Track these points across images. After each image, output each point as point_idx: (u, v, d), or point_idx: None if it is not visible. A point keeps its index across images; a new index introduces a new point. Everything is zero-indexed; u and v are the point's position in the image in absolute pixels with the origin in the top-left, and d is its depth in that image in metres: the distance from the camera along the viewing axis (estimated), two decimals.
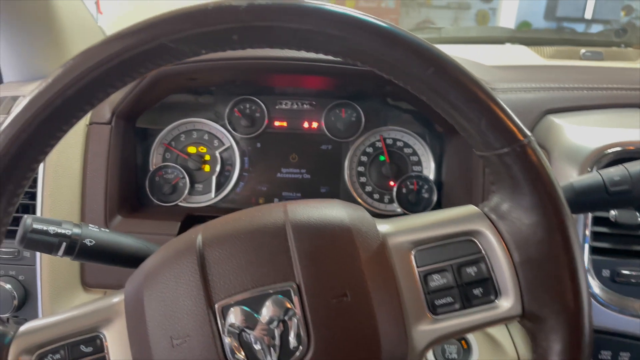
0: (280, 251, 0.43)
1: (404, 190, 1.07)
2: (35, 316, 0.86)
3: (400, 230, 0.47)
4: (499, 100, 0.42)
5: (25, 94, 0.92)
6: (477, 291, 0.44)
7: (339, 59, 0.44)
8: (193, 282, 0.42)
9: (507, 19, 4.64)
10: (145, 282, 0.44)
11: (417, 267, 0.45)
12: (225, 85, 1.04)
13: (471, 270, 0.44)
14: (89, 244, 0.60)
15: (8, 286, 0.84)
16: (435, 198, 1.05)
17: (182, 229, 0.92)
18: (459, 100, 0.42)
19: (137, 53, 0.41)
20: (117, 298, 0.47)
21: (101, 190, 0.89)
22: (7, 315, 0.85)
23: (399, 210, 1.07)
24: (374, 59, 0.42)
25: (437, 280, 0.45)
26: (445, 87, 0.42)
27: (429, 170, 1.07)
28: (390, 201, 1.08)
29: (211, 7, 0.41)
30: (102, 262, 0.63)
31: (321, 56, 0.44)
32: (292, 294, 0.41)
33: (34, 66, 1.01)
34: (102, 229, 0.63)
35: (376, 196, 1.09)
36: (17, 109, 0.40)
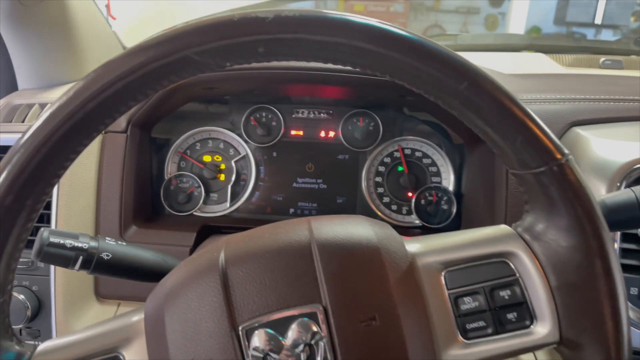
0: (306, 272, 0.41)
1: (422, 202, 1.05)
2: (48, 327, 0.85)
3: (429, 250, 0.45)
4: (536, 117, 0.41)
5: (41, 101, 0.92)
6: (511, 315, 0.42)
7: (366, 72, 0.43)
8: (216, 302, 0.40)
9: (517, 24, 4.60)
10: (166, 301, 0.43)
11: (448, 289, 0.43)
12: (242, 94, 1.03)
13: (504, 294, 0.43)
14: (105, 257, 0.59)
15: (21, 297, 0.83)
16: (454, 210, 1.04)
17: (198, 240, 0.91)
18: (494, 117, 0.41)
19: (160, 65, 0.40)
20: (137, 317, 0.46)
21: (116, 199, 0.88)
22: (20, 326, 0.85)
23: (417, 222, 1.06)
24: (405, 73, 0.41)
25: (468, 303, 0.43)
26: (479, 103, 0.40)
27: (449, 181, 1.06)
28: (409, 212, 1.07)
29: (237, 18, 0.40)
30: (119, 276, 0.61)
31: (342, 66, 0.43)
32: (319, 317, 0.39)
33: (49, 73, 1.01)
34: (119, 242, 0.62)
35: (394, 207, 1.08)
36: (37, 123, 0.39)
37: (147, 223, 0.96)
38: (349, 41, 0.39)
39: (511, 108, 0.40)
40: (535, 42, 1.49)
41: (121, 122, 0.90)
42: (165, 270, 0.64)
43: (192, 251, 0.87)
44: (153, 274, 0.63)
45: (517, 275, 0.43)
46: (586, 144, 0.80)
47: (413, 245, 0.46)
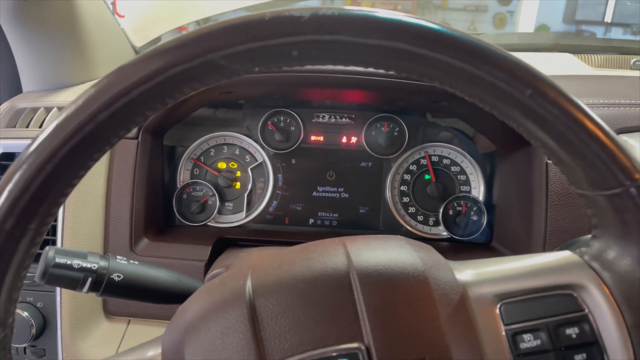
0: (345, 305, 0.37)
1: (450, 212, 1.02)
2: (54, 346, 0.82)
3: (483, 279, 0.41)
4: (611, 131, 0.36)
5: (47, 104, 0.89)
6: (579, 357, 0.38)
7: (410, 77, 0.39)
8: (244, 340, 0.36)
9: (526, 22, 4.57)
10: (186, 337, 0.39)
11: (504, 324, 0.39)
12: (259, 98, 1.00)
13: (572, 332, 0.38)
14: (116, 279, 0.55)
15: (25, 314, 0.80)
16: (484, 221, 1.01)
17: (213, 254, 0.87)
18: (560, 130, 0.36)
19: (181, 71, 0.36)
20: (153, 351, 0.42)
21: (127, 210, 0.85)
22: (24, 345, 0.82)
23: (445, 233, 1.02)
24: (459, 80, 0.37)
25: (528, 342, 0.38)
26: (543, 114, 0.36)
27: (478, 191, 1.03)
28: (436, 224, 1.04)
29: (269, 17, 0.36)
30: (131, 298, 0.58)
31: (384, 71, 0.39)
32: (361, 358, 0.35)
33: (55, 74, 0.98)
34: (131, 262, 0.58)
35: (420, 218, 1.04)
36: (41, 136, 0.35)
37: (159, 235, 0.93)
38: (397, 44, 0.35)
39: (582, 120, 0.36)
40: (562, 42, 1.45)
41: None
42: (181, 291, 0.60)
43: (207, 266, 0.84)
44: (167, 296, 0.60)
45: (586, 310, 0.39)
46: (636, 153, 0.75)
47: (464, 273, 0.41)
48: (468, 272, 0.42)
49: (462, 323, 0.38)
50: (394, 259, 0.40)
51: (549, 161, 0.79)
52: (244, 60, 0.36)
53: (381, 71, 0.40)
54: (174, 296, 0.60)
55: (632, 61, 1.26)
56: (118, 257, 0.57)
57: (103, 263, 0.55)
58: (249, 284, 0.40)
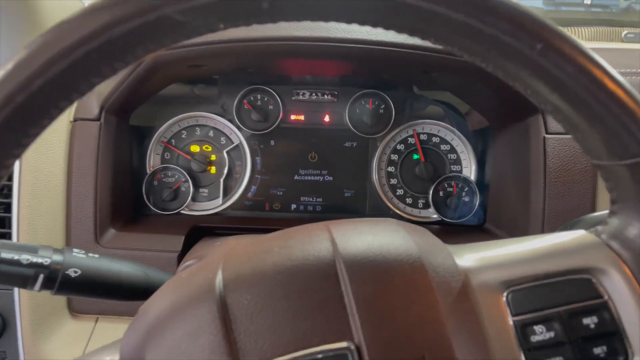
0: (331, 298, 0.33)
1: (441, 194, 1.00)
2: (15, 349, 0.77)
3: (487, 264, 0.37)
4: (635, 92, 0.32)
5: None
6: (599, 350, 0.34)
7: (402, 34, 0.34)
8: (214, 342, 0.32)
9: None
10: (147, 341, 0.34)
11: (512, 314, 0.35)
12: (233, 72, 0.95)
13: (589, 321, 0.35)
14: (73, 274, 0.50)
15: None
16: (477, 202, 0.98)
17: (187, 244, 0.83)
18: (576, 91, 0.32)
19: (131, 28, 0.31)
20: (110, 357, 0.37)
21: (90, 198, 0.80)
22: None
23: (435, 216, 1.00)
24: (457, 34, 0.33)
25: (540, 334, 0.35)
26: (556, 72, 0.32)
27: (470, 170, 1.00)
28: (425, 206, 1.01)
29: None
30: (92, 295, 0.54)
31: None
32: (350, 359, 0.31)
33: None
34: (90, 255, 0.53)
35: (409, 200, 1.02)
36: None
37: (128, 225, 0.89)
38: None
39: (602, 79, 0.32)
40: (550, 15, 1.44)
41: (93, 107, 0.81)
42: (149, 286, 0.56)
43: (180, 257, 0.80)
44: (133, 292, 0.55)
45: (606, 296, 0.35)
46: None
47: (465, 258, 0.38)
48: (470, 257, 0.38)
49: (465, 315, 0.34)
50: (385, 243, 0.36)
51: (547, 135, 0.76)
52: (206, 14, 0.31)
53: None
54: (140, 292, 0.56)
55: (624, 34, 1.25)
56: (74, 250, 0.52)
57: (57, 257, 0.50)
58: (219, 276, 0.35)
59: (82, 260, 0.52)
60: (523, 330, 0.35)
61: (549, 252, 0.37)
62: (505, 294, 0.36)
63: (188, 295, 0.36)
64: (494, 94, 0.80)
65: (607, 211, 0.41)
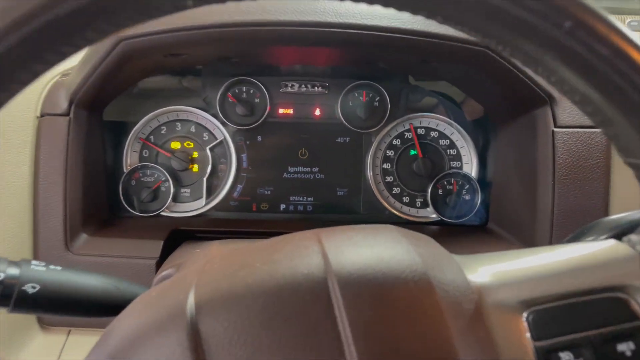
0: (323, 325, 0.29)
1: (440, 192, 0.97)
2: None
3: (503, 280, 0.33)
4: None
5: None
6: None
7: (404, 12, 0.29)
8: None
9: None
10: None
11: (534, 339, 0.31)
12: (216, 63, 0.90)
13: (625, 348, 0.30)
14: (31, 290, 0.46)
15: None
16: (478, 200, 0.95)
17: (166, 249, 0.78)
18: (610, 77, 0.28)
19: (80, 6, 0.26)
20: None
21: (59, 201, 0.75)
22: None
23: (434, 216, 0.96)
24: (469, 12, 0.28)
25: None
26: (587, 55, 0.28)
27: (471, 166, 0.97)
28: (424, 205, 0.98)
29: None
30: (54, 312, 0.49)
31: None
32: None
33: None
34: (52, 267, 0.48)
35: (406, 199, 0.98)
36: None
37: (102, 230, 0.84)
38: None
39: None
40: None
41: (61, 101, 0.76)
42: (120, 301, 0.51)
43: (159, 264, 0.75)
44: (103, 308, 0.51)
45: None
46: None
47: (478, 273, 0.33)
48: (483, 271, 0.33)
49: (479, 340, 0.30)
50: (385, 257, 0.32)
51: (556, 128, 0.72)
52: None
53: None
54: (111, 307, 0.51)
55: (627, 21, 1.23)
56: (33, 262, 0.48)
57: (12, 271, 0.45)
58: (190, 299, 0.31)
59: (41, 273, 0.47)
60: (547, 358, 0.30)
61: (575, 266, 0.33)
62: (525, 314, 0.32)
63: (155, 320, 0.31)
64: (497, 84, 0.76)
65: (628, 213, 0.36)
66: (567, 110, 0.72)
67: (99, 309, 0.50)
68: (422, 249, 0.34)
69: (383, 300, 0.30)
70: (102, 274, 0.52)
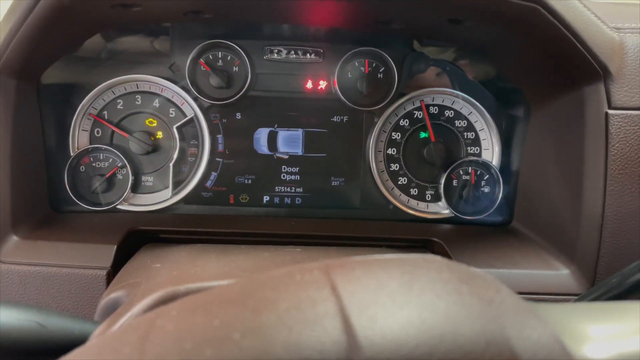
0: None
1: (455, 183, 0.91)
2: None
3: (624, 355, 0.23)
4: None
5: None
6: None
7: None
8: None
9: None
10: None
11: None
12: (184, 21, 0.80)
13: None
14: None
15: None
16: (500, 194, 0.88)
17: (121, 256, 0.69)
18: None
19: None
20: None
21: None
22: None
23: (447, 211, 0.90)
24: None
25: None
26: None
27: (491, 152, 0.90)
28: (435, 199, 0.92)
29: None
30: None
31: None
32: None
33: None
34: None
35: (414, 191, 0.91)
36: None
37: (39, 230, 0.75)
38: None
39: None
40: None
41: None
42: (44, 344, 0.40)
43: (111, 276, 0.65)
44: (19, 354, 0.39)
45: None
46: None
47: (590, 344, 0.23)
48: (592, 336, 0.24)
49: None
50: (439, 323, 0.23)
51: (611, 110, 0.64)
52: None
53: None
54: (32, 352, 0.40)
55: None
56: None
57: None
58: None
59: None
60: None
61: None
62: None
63: None
64: (542, 51, 0.67)
65: None
66: (625, 88, 0.63)
67: (13, 355, 0.39)
68: (497, 303, 0.23)
69: None
70: (19, 304, 0.41)
